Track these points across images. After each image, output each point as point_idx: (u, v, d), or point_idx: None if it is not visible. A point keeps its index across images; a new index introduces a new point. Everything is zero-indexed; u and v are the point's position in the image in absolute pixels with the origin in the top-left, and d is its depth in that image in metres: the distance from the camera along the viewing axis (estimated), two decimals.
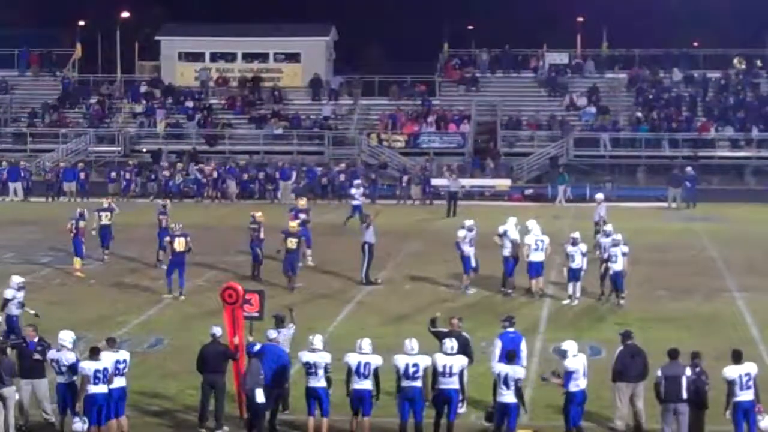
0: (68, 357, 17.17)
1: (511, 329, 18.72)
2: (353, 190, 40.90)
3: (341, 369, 17.70)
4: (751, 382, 16.49)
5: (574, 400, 16.96)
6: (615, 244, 26.93)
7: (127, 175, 50.33)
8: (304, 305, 26.86)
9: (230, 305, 18.49)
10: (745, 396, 16.47)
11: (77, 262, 30.54)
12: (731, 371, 16.55)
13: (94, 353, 17.02)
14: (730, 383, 16.49)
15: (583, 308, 26.86)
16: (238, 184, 49.81)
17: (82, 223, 30.55)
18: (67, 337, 17.47)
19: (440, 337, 18.21)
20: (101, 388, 16.81)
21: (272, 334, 18.39)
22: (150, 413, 18.66)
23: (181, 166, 51.79)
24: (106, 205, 33.63)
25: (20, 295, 21.77)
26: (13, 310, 21.61)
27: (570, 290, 27.27)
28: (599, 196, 36.49)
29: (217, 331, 18.17)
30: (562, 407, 17.16)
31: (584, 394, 17.06)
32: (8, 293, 21.69)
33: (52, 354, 17.43)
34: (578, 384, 16.96)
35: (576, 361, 17.05)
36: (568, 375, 17.02)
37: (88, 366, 16.83)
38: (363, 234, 29.57)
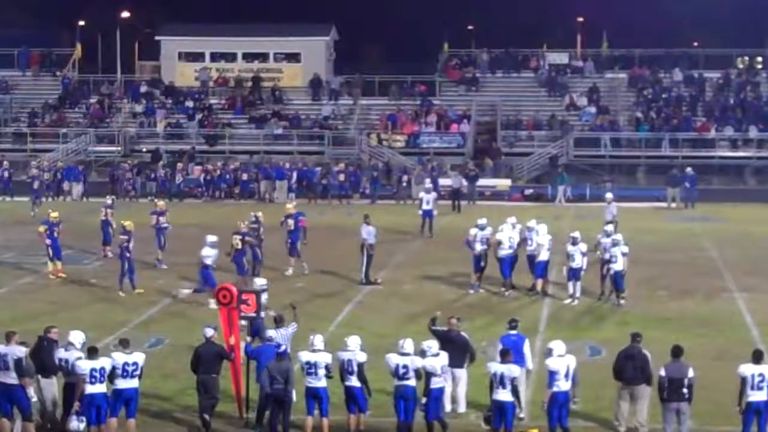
0: (75, 356, 17.17)
1: (513, 332, 18.69)
2: (422, 194, 39.11)
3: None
4: (764, 384, 16.36)
5: (556, 401, 16.88)
6: (615, 244, 26.95)
7: (128, 175, 50.38)
8: (304, 305, 26.85)
9: (225, 306, 18.48)
10: (757, 396, 16.37)
11: (49, 264, 30.43)
12: (746, 369, 16.47)
13: (91, 353, 17.00)
14: (743, 380, 16.44)
15: (583, 308, 26.87)
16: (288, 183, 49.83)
17: (42, 228, 30.27)
18: (77, 337, 17.49)
19: (438, 336, 18.25)
20: (98, 388, 16.75)
21: (271, 333, 18.38)
22: (150, 413, 18.64)
23: (181, 166, 51.81)
24: (109, 202, 34.55)
25: (264, 296, 21.78)
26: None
27: (571, 290, 27.31)
28: (609, 195, 36.64)
29: (209, 332, 18.10)
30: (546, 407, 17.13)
31: (566, 396, 16.91)
32: None
33: (60, 353, 17.42)
34: (559, 385, 16.85)
35: (558, 361, 16.95)
36: (549, 375, 17.00)
37: (84, 365, 16.82)
38: (361, 233, 29.57)
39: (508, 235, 28.12)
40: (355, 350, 17.38)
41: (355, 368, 17.29)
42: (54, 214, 30.80)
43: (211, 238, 27.21)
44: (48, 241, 29.99)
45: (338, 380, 17.67)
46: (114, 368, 16.93)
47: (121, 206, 43.58)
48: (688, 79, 59.54)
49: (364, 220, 30.07)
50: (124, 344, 17.49)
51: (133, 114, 59.12)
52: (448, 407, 18.38)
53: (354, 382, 17.33)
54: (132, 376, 17.05)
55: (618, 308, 26.54)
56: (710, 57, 61.41)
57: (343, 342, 17.64)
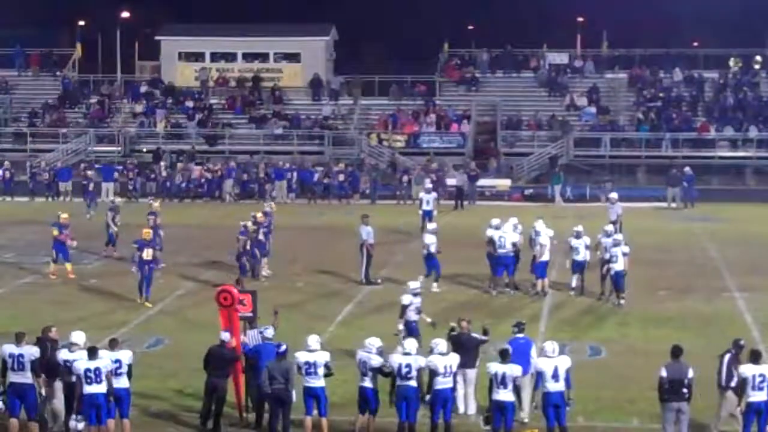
0: (79, 357, 17.14)
1: (521, 335, 18.59)
2: (422, 194, 38.92)
3: (342, 369, 17.76)
4: (764, 384, 16.37)
5: (549, 401, 16.83)
6: (616, 244, 26.99)
7: (130, 174, 50.32)
8: (304, 305, 26.90)
9: (225, 308, 18.45)
10: (758, 396, 16.37)
11: (52, 265, 30.19)
12: (747, 369, 16.48)
13: (91, 353, 16.98)
14: (744, 381, 16.44)
15: (584, 308, 26.87)
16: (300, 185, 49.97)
17: (55, 231, 29.98)
18: (80, 337, 17.49)
19: (451, 340, 18.26)
20: (96, 388, 16.71)
21: (269, 333, 18.32)
22: (149, 413, 18.65)
23: (181, 166, 51.80)
24: (112, 204, 34.85)
25: (417, 300, 21.57)
26: (412, 315, 21.33)
27: (574, 283, 27.36)
28: (614, 195, 36.54)
29: (226, 336, 18.07)
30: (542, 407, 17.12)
31: (561, 396, 16.83)
32: (406, 299, 21.39)
33: (64, 354, 17.39)
34: (547, 386, 16.79)
35: (546, 362, 16.92)
36: (536, 375, 17.02)
37: (79, 366, 16.82)
38: (361, 234, 29.56)
39: (498, 234, 28.07)
40: (371, 352, 17.31)
41: (368, 371, 17.24)
42: (64, 216, 30.49)
43: (431, 225, 29.85)
44: (58, 243, 29.76)
45: (337, 380, 17.70)
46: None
47: (122, 206, 43.61)
48: (688, 79, 59.52)
49: (362, 220, 30.05)
50: (112, 344, 17.49)
51: (133, 114, 59.09)
52: (461, 409, 18.34)
53: (367, 383, 17.27)
54: (117, 375, 16.99)
55: (618, 308, 26.53)
56: (710, 57, 61.39)
57: (362, 342, 17.55)
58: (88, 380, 16.70)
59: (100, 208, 40.98)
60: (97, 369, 16.75)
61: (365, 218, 30.05)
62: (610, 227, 28.90)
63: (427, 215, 37.83)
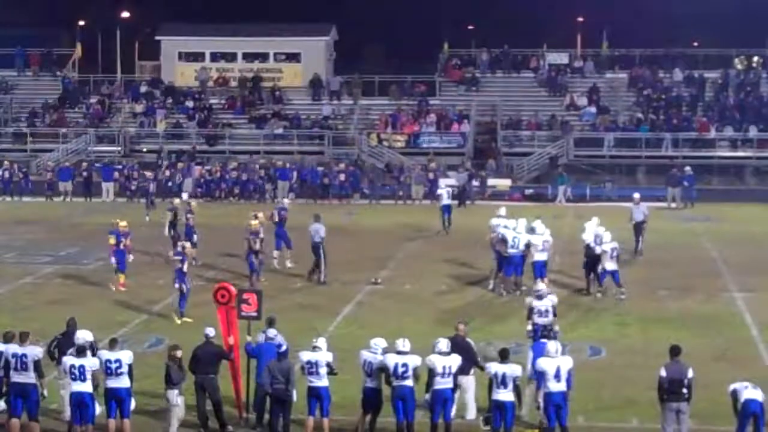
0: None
1: (545, 340, 18.35)
2: (440, 191, 39.44)
3: (342, 369, 17.78)
4: (757, 385, 16.37)
5: (551, 401, 16.84)
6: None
7: (135, 174, 50.27)
8: (304, 305, 26.89)
9: (223, 305, 18.46)
10: (752, 394, 16.31)
11: (121, 277, 28.92)
12: (737, 385, 16.47)
13: (79, 352, 16.99)
14: (734, 392, 16.37)
15: (584, 308, 26.86)
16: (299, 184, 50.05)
17: (111, 239, 28.67)
18: (81, 336, 17.54)
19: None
20: (81, 386, 16.71)
21: (271, 332, 18.31)
22: (150, 413, 18.62)
23: (181, 166, 51.78)
24: (171, 206, 34.54)
25: (554, 300, 21.35)
26: (536, 318, 20.81)
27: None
28: (636, 195, 34.88)
29: (210, 332, 18.12)
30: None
31: (562, 396, 16.84)
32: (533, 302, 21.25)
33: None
34: (549, 386, 16.81)
35: (547, 362, 16.93)
36: (537, 375, 17.05)
37: (66, 361, 16.89)
38: (319, 233, 29.28)
39: (512, 235, 28.03)
40: (376, 352, 17.29)
41: (373, 372, 17.23)
42: (123, 224, 29.01)
43: (501, 211, 29.67)
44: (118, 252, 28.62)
45: (338, 380, 17.71)
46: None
47: (123, 206, 43.64)
48: (688, 79, 59.54)
49: (315, 219, 29.86)
50: (111, 344, 17.50)
51: (133, 114, 59.12)
52: (453, 411, 18.30)
53: (371, 383, 17.28)
54: (117, 374, 16.98)
55: (617, 306, 26.52)
56: (710, 57, 61.42)
57: (368, 342, 17.55)
58: (73, 377, 16.72)
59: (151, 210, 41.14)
60: (81, 367, 16.72)
61: (318, 217, 29.95)
62: (601, 229, 28.63)
63: (446, 210, 38.08)
